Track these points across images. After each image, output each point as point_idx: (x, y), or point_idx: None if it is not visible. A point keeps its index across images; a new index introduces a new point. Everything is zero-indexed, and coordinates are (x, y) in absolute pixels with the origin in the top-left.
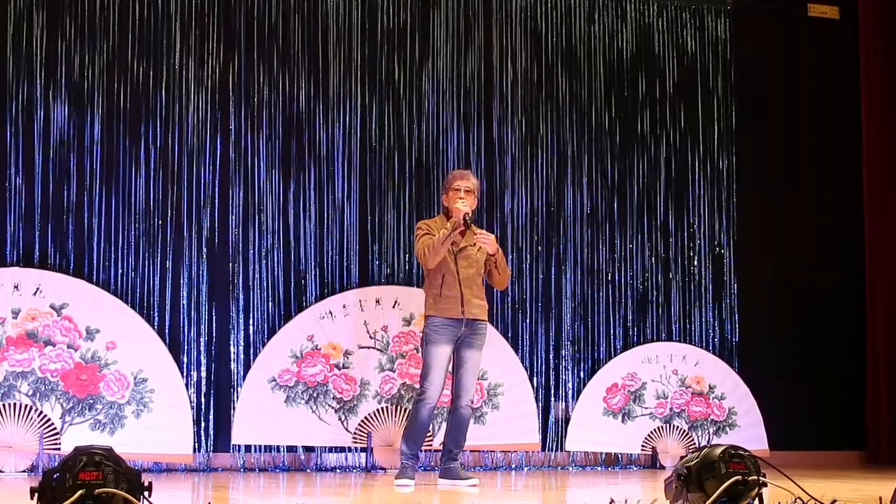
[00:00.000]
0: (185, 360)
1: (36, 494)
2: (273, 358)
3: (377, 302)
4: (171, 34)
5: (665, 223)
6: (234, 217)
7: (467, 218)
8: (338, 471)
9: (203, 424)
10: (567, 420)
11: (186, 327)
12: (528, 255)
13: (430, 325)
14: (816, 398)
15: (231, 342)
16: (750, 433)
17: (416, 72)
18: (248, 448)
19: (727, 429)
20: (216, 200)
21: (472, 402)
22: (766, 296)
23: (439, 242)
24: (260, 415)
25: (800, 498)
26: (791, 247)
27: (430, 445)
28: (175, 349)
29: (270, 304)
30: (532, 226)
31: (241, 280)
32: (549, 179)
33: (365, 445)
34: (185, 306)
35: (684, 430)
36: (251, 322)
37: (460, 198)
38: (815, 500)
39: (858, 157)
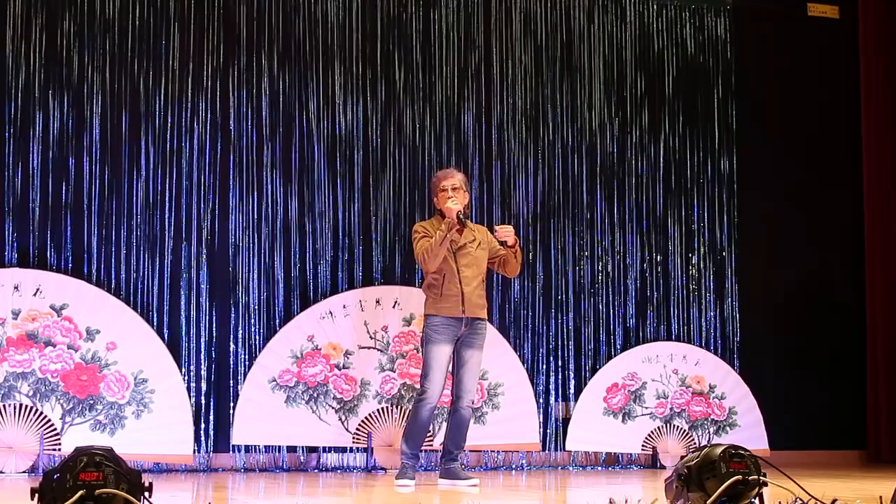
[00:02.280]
0: (185, 360)
1: (36, 495)
2: (273, 358)
3: (377, 302)
4: (170, 34)
5: (665, 223)
6: (234, 217)
7: (461, 215)
8: (338, 471)
9: (203, 424)
10: (567, 420)
11: (186, 327)
12: (529, 255)
13: (430, 325)
14: (816, 398)
15: (231, 342)
16: (750, 433)
17: (417, 72)
18: (248, 448)
19: (727, 428)
20: (216, 201)
21: (473, 403)
22: (766, 296)
23: (437, 244)
24: (260, 415)
25: (800, 498)
26: (791, 247)
27: (431, 445)
28: (175, 349)
29: (270, 304)
30: (532, 225)
31: (241, 280)
32: (548, 179)
33: (365, 445)
34: (185, 306)
35: (684, 430)
36: (251, 322)
37: (449, 197)
38: (816, 499)
39: (858, 158)
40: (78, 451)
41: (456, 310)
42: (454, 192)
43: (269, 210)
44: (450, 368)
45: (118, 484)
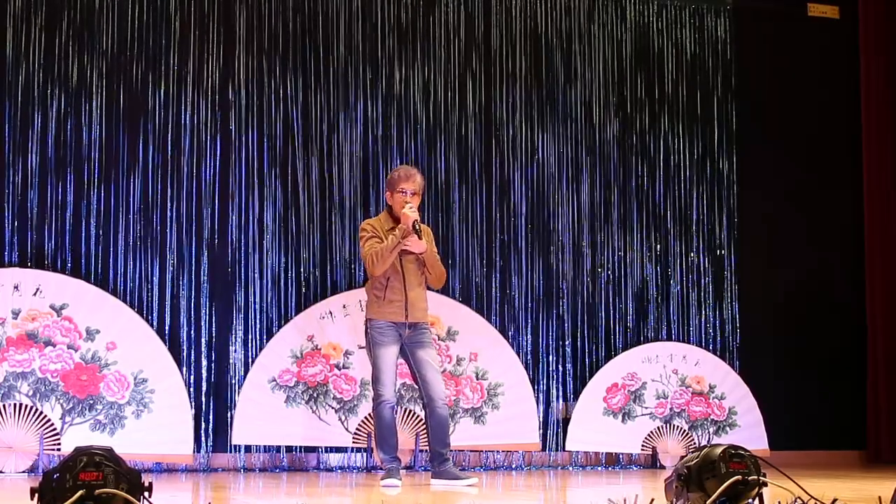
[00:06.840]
0: (185, 360)
1: (36, 495)
2: (273, 358)
3: None
4: (170, 34)
5: (665, 223)
6: (234, 217)
7: (416, 225)
8: (338, 471)
9: (203, 424)
10: (567, 420)
11: (186, 327)
12: (528, 255)
13: (374, 328)
14: (816, 398)
15: (231, 342)
16: (750, 433)
17: (417, 72)
18: (248, 448)
19: (727, 428)
20: (216, 200)
21: (447, 399)
22: (766, 296)
23: (388, 251)
24: (260, 415)
25: (800, 498)
26: (791, 247)
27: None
28: (175, 349)
29: (270, 304)
30: (532, 225)
31: (241, 280)
32: (548, 179)
33: (365, 445)
34: (185, 306)
35: (684, 430)
36: (251, 322)
37: (407, 202)
38: (816, 499)
39: (858, 158)
40: (78, 450)
41: (399, 315)
42: (412, 197)
43: (269, 210)
44: (399, 369)
45: (118, 484)
